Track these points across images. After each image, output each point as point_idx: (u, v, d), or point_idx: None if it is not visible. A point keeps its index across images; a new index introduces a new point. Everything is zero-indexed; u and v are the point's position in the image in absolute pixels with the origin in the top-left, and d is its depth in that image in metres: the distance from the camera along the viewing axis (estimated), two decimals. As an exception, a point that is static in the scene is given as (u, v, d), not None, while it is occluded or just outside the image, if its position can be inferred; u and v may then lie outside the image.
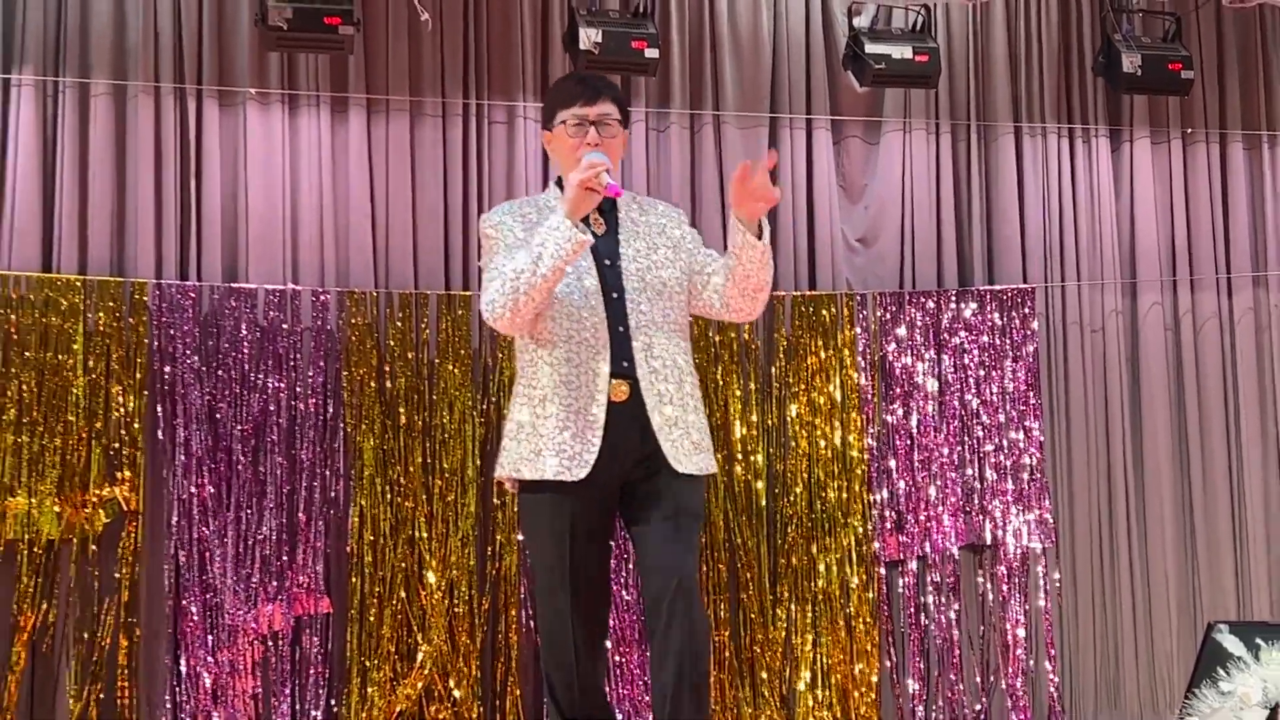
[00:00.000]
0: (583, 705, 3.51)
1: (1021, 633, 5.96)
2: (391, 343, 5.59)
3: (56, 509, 5.24)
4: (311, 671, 5.40)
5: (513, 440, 3.48)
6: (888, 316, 6.02)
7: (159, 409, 5.37)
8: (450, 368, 5.59)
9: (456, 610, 5.51)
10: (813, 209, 6.10)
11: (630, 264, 3.48)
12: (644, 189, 5.71)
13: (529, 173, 5.81)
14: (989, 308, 6.10)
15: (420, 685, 5.45)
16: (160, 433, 5.36)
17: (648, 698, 5.51)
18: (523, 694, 5.56)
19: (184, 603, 5.30)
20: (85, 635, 5.25)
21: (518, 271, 3.35)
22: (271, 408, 5.45)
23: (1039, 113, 6.32)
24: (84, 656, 5.25)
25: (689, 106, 5.96)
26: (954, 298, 6.08)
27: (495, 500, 5.59)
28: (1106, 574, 6.18)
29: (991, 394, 6.05)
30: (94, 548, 5.27)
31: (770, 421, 5.89)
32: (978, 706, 5.92)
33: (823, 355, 5.93)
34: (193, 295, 5.44)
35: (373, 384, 5.54)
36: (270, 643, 5.38)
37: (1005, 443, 6.04)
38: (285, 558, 5.41)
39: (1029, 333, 6.12)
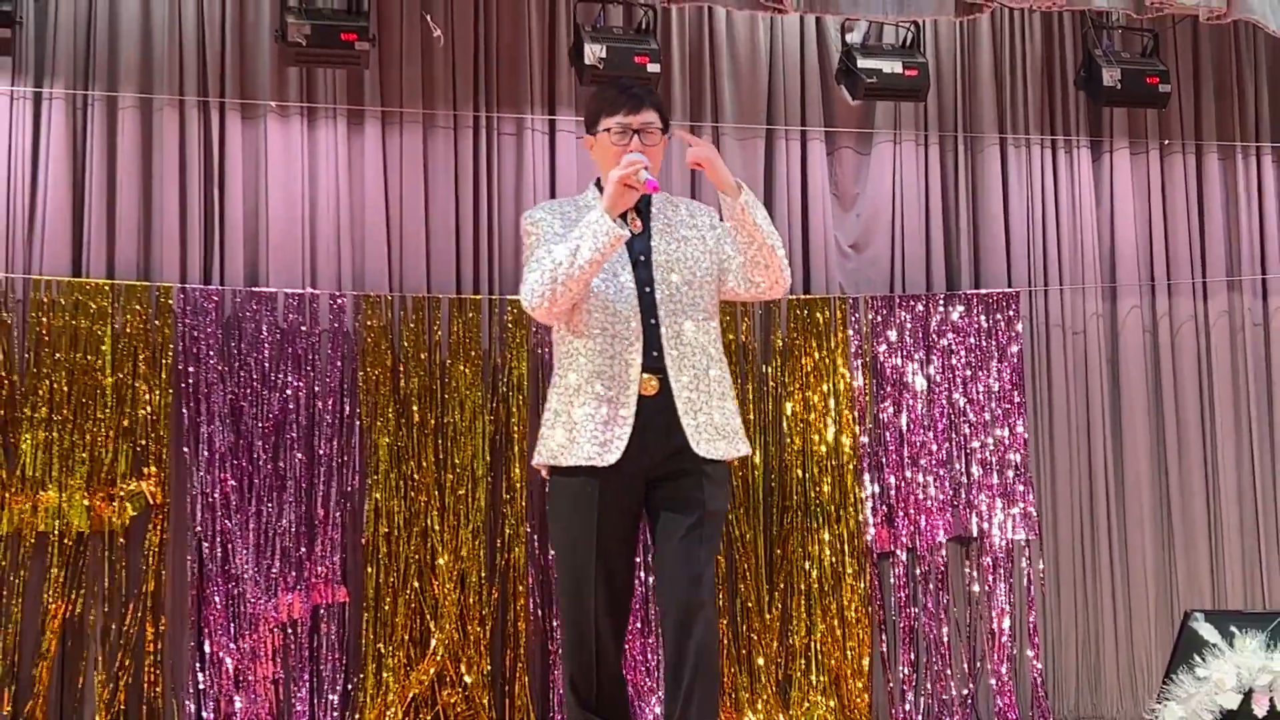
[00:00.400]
0: (601, 697, 3.54)
1: (1006, 621, 5.98)
2: (405, 344, 5.61)
3: (85, 503, 5.26)
4: (329, 658, 5.41)
5: (549, 428, 3.52)
6: (879, 319, 6.06)
7: (183, 407, 5.38)
8: (461, 368, 5.63)
9: (467, 600, 5.52)
10: (807, 216, 6.11)
11: (663, 259, 3.51)
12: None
13: (537, 182, 5.84)
14: (975, 311, 6.13)
15: (433, 671, 5.47)
16: (185, 430, 5.38)
17: (649, 681, 5.58)
18: (530, 679, 5.59)
19: (207, 592, 5.31)
20: (113, 624, 5.26)
21: (556, 263, 3.39)
22: (291, 406, 5.47)
23: (1023, 125, 6.35)
24: (112, 644, 5.26)
25: (689, 119, 5.98)
26: (942, 301, 6.12)
27: (505, 494, 5.63)
28: (1088, 565, 6.20)
29: (978, 393, 6.09)
30: (121, 540, 5.30)
31: (767, 419, 5.92)
32: (964, 692, 5.93)
33: (817, 356, 5.97)
34: (216, 299, 5.46)
35: (387, 383, 5.57)
36: (290, 630, 5.39)
37: (991, 440, 6.06)
38: (304, 549, 5.43)
39: (1013, 335, 6.14)
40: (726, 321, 5.81)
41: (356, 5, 5.42)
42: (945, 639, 5.98)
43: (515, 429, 5.69)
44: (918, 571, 6.00)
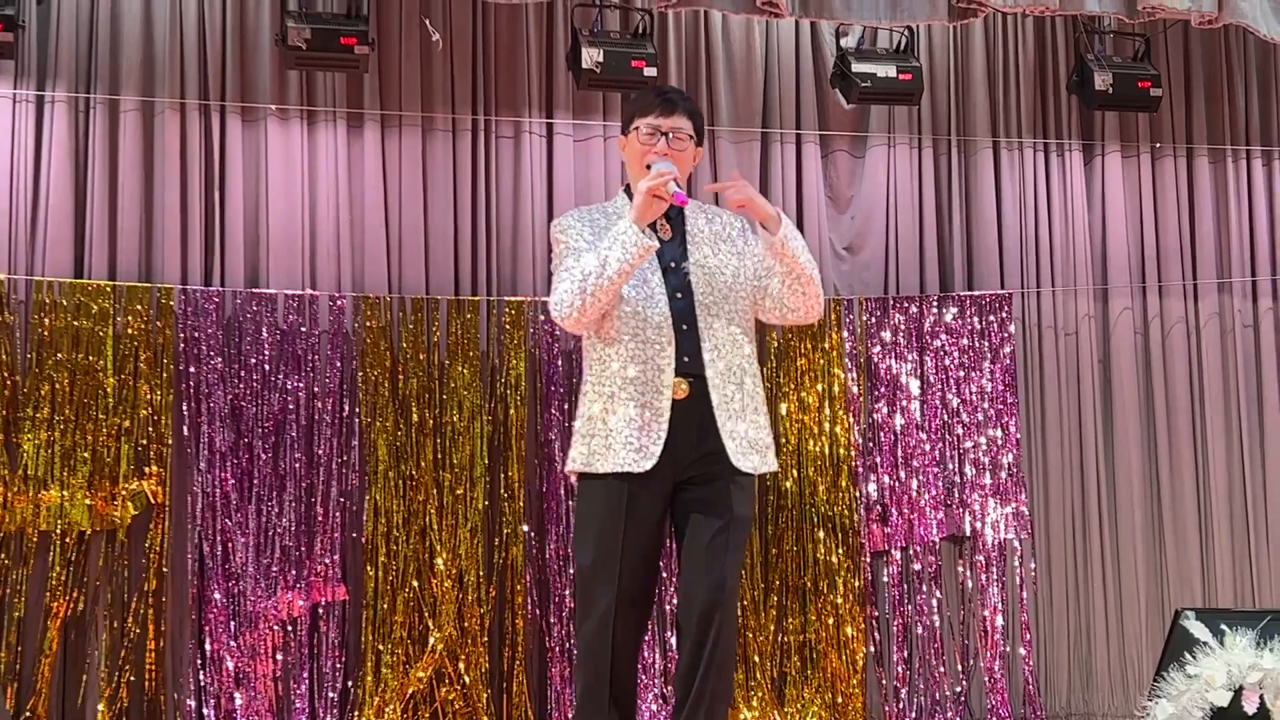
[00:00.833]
0: (613, 707, 3.49)
1: (999, 619, 6.01)
2: (404, 345, 5.64)
3: (87, 502, 5.31)
4: (328, 655, 5.44)
5: (583, 437, 3.49)
6: (873, 321, 6.09)
7: (184, 407, 5.42)
8: (460, 369, 5.66)
9: (465, 598, 5.55)
10: (802, 219, 6.13)
11: (694, 267, 3.50)
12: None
13: (534, 184, 5.88)
14: (968, 312, 6.16)
15: (431, 669, 5.50)
16: (186, 430, 5.42)
17: (644, 678, 5.59)
18: (528, 677, 5.61)
19: (208, 590, 5.35)
20: (114, 621, 5.31)
21: (585, 273, 3.39)
22: (291, 406, 5.51)
23: (1016, 128, 6.39)
24: (113, 641, 5.30)
25: (685, 121, 6.10)
26: (935, 303, 6.15)
27: (503, 494, 5.66)
28: (1079, 563, 6.24)
29: (971, 394, 6.12)
30: (123, 539, 5.35)
31: (762, 420, 6.04)
32: (958, 689, 5.97)
33: (812, 357, 6.00)
34: (216, 300, 5.49)
35: (386, 384, 5.61)
36: (289, 628, 5.43)
37: (984, 440, 6.10)
38: (304, 548, 5.47)
39: (1006, 336, 6.17)
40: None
41: (356, 9, 5.46)
42: (938, 637, 6.02)
43: (513, 429, 5.73)
44: (911, 570, 6.04)
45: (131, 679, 5.33)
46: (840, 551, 5.95)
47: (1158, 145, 6.55)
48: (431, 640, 5.55)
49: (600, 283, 3.38)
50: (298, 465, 5.53)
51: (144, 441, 5.42)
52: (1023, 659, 6.09)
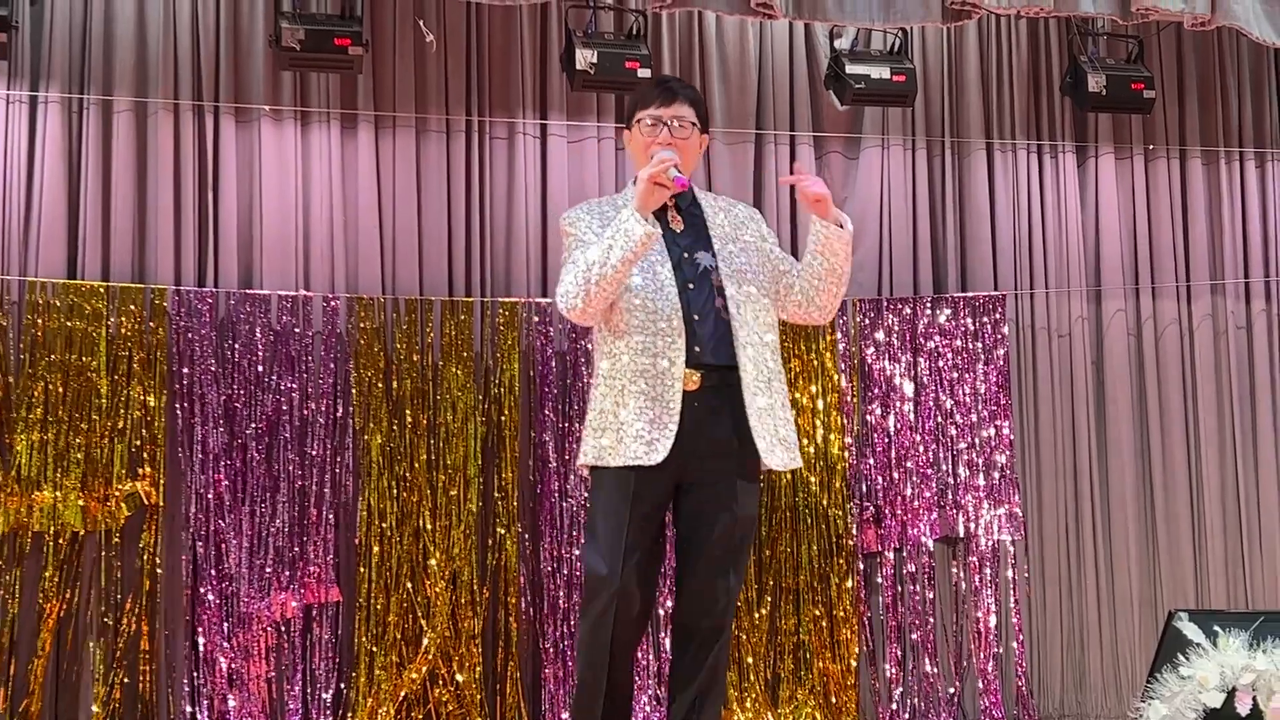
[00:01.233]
0: (608, 709, 3.49)
1: (993, 621, 6.02)
2: (398, 346, 5.64)
3: (81, 503, 5.28)
4: (322, 657, 5.44)
5: (594, 430, 3.48)
6: (866, 322, 6.10)
7: (178, 408, 5.41)
8: (454, 370, 5.66)
9: (459, 599, 5.54)
10: (796, 220, 6.11)
11: (709, 258, 3.48)
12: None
13: (528, 185, 5.87)
14: (962, 314, 6.17)
15: (425, 670, 5.49)
16: (179, 431, 5.40)
17: (637, 679, 5.60)
18: (522, 678, 5.61)
19: (201, 592, 5.34)
20: (108, 623, 5.28)
21: (589, 264, 3.36)
22: (284, 407, 5.50)
23: (1009, 130, 6.39)
24: (107, 643, 5.27)
25: (680, 122, 6.09)
26: (929, 304, 6.17)
27: (496, 495, 5.66)
28: (1073, 565, 6.24)
29: (964, 395, 6.12)
30: (116, 539, 5.31)
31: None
32: (951, 690, 5.97)
33: (805, 358, 6.00)
34: (210, 301, 5.49)
35: (380, 385, 5.60)
36: (283, 629, 5.41)
37: (977, 441, 6.10)
38: (297, 549, 5.45)
39: (1000, 337, 6.18)
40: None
41: (350, 10, 5.46)
42: (932, 638, 6.02)
43: (507, 430, 5.73)
44: (905, 571, 6.05)
45: (125, 680, 5.32)
46: (834, 553, 5.96)
47: (1151, 147, 6.56)
48: (425, 641, 5.55)
49: (604, 272, 3.36)
50: (291, 466, 5.52)
51: (137, 442, 5.41)
52: (1016, 660, 6.09)
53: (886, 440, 6.07)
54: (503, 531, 5.68)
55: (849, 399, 6.06)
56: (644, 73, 5.54)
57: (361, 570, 5.55)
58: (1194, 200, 6.59)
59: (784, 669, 5.87)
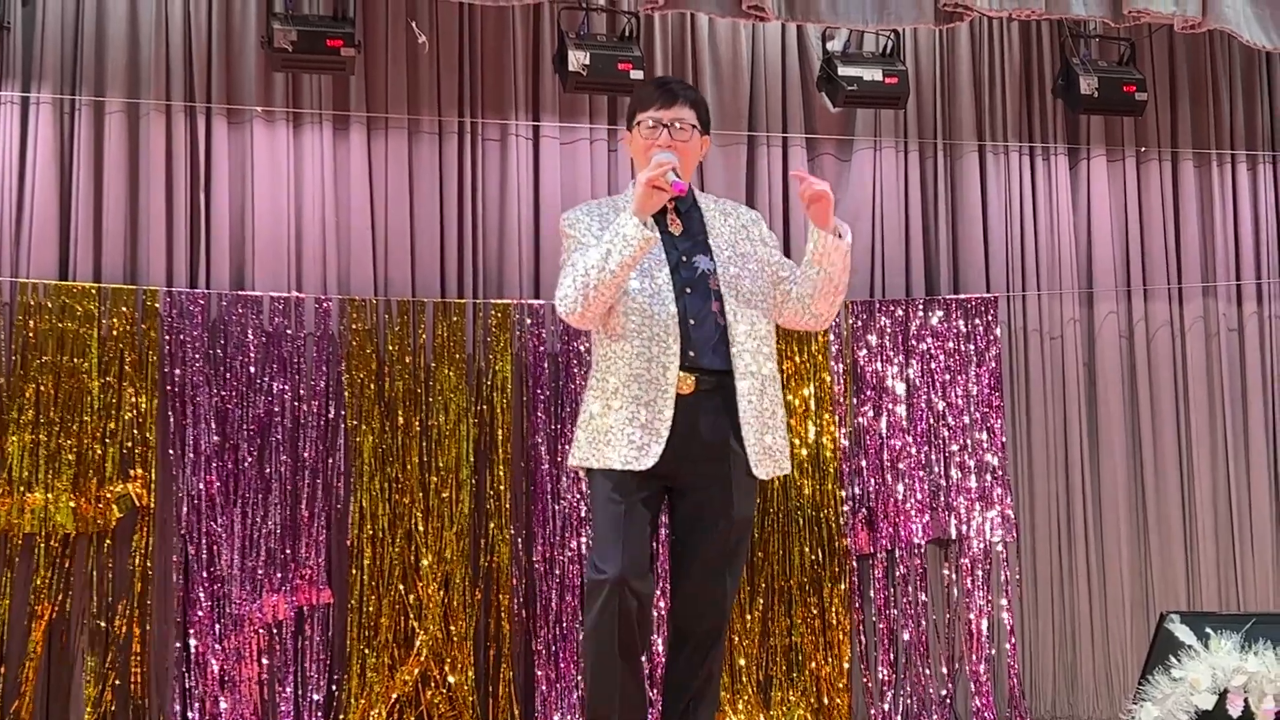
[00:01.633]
0: (622, 710, 3.47)
1: (985, 622, 6.01)
2: (390, 347, 5.63)
3: (72, 504, 5.28)
4: (314, 658, 5.43)
5: (584, 431, 3.47)
6: (859, 324, 6.11)
7: (170, 410, 5.41)
8: (446, 371, 5.65)
9: (451, 601, 5.53)
10: (789, 222, 6.13)
11: (707, 262, 3.47)
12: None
13: (520, 187, 5.87)
14: (954, 316, 6.18)
15: (417, 672, 5.49)
16: (171, 432, 5.39)
17: None
18: (514, 679, 5.61)
19: (193, 593, 5.33)
20: (100, 624, 5.28)
21: (588, 267, 3.35)
22: (276, 409, 5.50)
23: (1001, 132, 6.40)
24: (99, 644, 5.27)
25: (671, 125, 6.09)
26: (921, 306, 6.17)
27: (489, 496, 5.66)
28: (1065, 567, 6.25)
29: (956, 397, 6.13)
30: (108, 541, 5.31)
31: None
32: (943, 692, 5.98)
33: (798, 360, 6.01)
34: (202, 302, 5.49)
35: (372, 386, 5.60)
36: (275, 631, 5.41)
37: (969, 443, 6.11)
38: (289, 551, 5.45)
39: (992, 339, 6.19)
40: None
41: (342, 11, 5.45)
42: (924, 640, 6.03)
43: (499, 431, 5.73)
44: (897, 573, 6.04)
45: (116, 682, 5.32)
46: (826, 554, 5.96)
47: (1143, 149, 6.57)
48: (417, 643, 5.54)
49: (603, 276, 3.35)
50: (283, 468, 5.51)
51: (129, 444, 5.40)
52: (1008, 662, 6.10)
53: (879, 442, 6.07)
54: (495, 533, 5.68)
55: (841, 401, 6.06)
56: (636, 74, 5.53)
57: (353, 572, 5.55)
58: (1185, 202, 6.60)
59: (776, 671, 5.88)
